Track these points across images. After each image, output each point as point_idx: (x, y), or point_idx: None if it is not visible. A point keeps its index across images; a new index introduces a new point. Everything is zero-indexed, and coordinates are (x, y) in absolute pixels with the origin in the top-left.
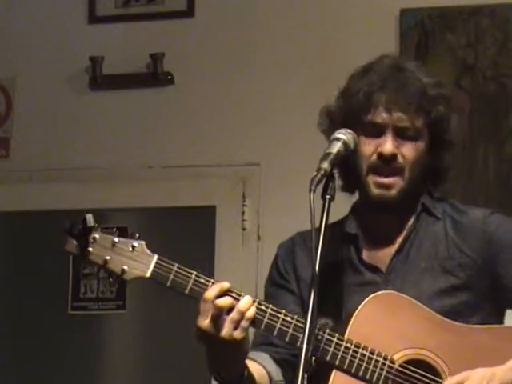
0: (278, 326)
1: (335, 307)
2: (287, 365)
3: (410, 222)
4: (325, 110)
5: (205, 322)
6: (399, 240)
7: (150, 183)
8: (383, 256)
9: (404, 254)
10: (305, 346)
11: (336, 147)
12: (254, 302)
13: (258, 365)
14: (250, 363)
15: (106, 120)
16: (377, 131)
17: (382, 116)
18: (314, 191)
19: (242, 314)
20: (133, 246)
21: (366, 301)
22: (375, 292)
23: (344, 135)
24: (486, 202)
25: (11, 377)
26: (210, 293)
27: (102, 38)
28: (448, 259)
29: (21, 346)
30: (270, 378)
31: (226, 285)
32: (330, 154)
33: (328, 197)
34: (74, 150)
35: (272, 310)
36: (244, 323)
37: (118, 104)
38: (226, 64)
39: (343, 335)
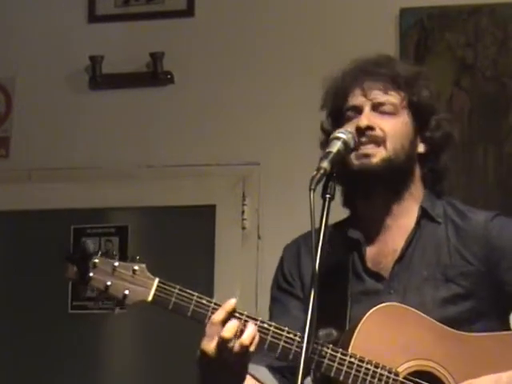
0: (282, 344)
1: (338, 316)
2: (287, 371)
3: (411, 225)
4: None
5: (210, 346)
6: (401, 245)
7: (150, 182)
8: (385, 262)
9: (406, 261)
10: (305, 346)
11: (336, 146)
12: (256, 321)
13: (257, 382)
14: (248, 381)
15: (106, 119)
16: (355, 114)
17: (358, 98)
18: (314, 190)
19: (246, 348)
20: (133, 270)
21: (368, 314)
22: (378, 301)
23: (344, 134)
24: (485, 201)
25: (11, 376)
26: (219, 316)
27: (101, 38)
28: (450, 267)
29: (21, 345)
30: None
31: (232, 305)
32: (330, 152)
33: (328, 196)
34: (73, 149)
35: (275, 328)
36: (249, 352)
37: (117, 103)
38: (226, 63)
39: (347, 348)
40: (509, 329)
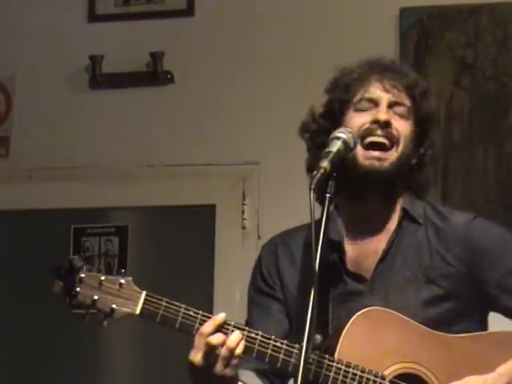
0: (269, 352)
1: (321, 319)
2: (274, 374)
3: (393, 227)
4: (309, 110)
5: (197, 357)
6: (382, 246)
7: (150, 182)
8: (367, 264)
9: (388, 262)
10: (305, 345)
11: (336, 146)
12: (243, 331)
13: None
14: None
15: (106, 119)
16: (370, 106)
17: (377, 91)
18: (314, 190)
19: (232, 351)
20: (120, 284)
21: (353, 319)
22: (360, 302)
23: (344, 134)
24: (485, 201)
25: (11, 376)
26: (207, 328)
27: (101, 37)
28: (431, 269)
29: (21, 345)
30: None
31: (221, 318)
32: (330, 152)
33: (328, 196)
34: (73, 148)
35: (262, 336)
36: (234, 361)
37: (117, 103)
38: (226, 63)
39: (333, 354)
40: (486, 328)
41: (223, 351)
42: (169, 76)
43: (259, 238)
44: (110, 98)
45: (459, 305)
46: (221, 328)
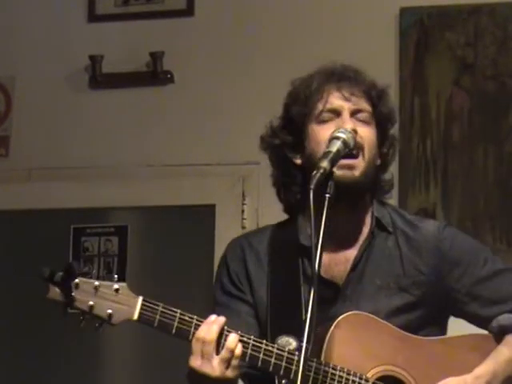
0: (261, 356)
1: (295, 324)
2: (245, 377)
3: (364, 235)
4: (269, 125)
5: (197, 362)
6: (353, 254)
7: (150, 182)
8: (338, 270)
9: (359, 270)
10: (304, 345)
11: (336, 146)
12: (237, 333)
13: None
14: None
15: (106, 119)
16: (332, 117)
17: (337, 101)
18: (314, 190)
19: (232, 352)
20: (116, 289)
21: (336, 322)
22: (332, 309)
23: (344, 134)
24: (485, 201)
25: (11, 376)
26: (202, 332)
27: (101, 37)
28: (403, 277)
29: (21, 345)
30: None
31: (212, 320)
32: (329, 152)
33: (327, 196)
34: (73, 148)
35: (254, 341)
36: (234, 361)
37: (117, 103)
38: (226, 62)
39: (318, 357)
40: (446, 333)
41: (223, 353)
42: (169, 76)
43: None
44: (110, 97)
45: (428, 312)
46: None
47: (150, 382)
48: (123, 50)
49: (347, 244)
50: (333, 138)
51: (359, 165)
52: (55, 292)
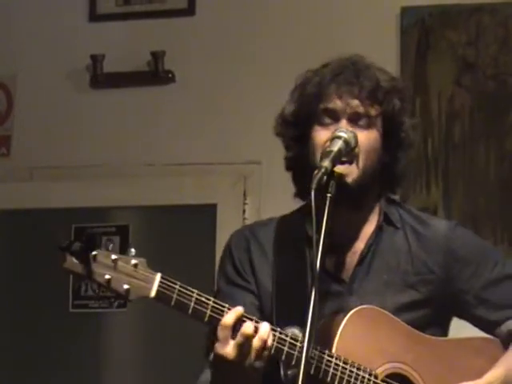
0: (286, 349)
1: (301, 316)
2: None
3: (371, 230)
4: (279, 114)
5: (226, 350)
6: (361, 248)
7: (151, 181)
8: (345, 264)
9: (366, 264)
10: (305, 345)
11: (337, 145)
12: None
13: None
14: None
15: (107, 118)
16: (331, 119)
17: (335, 102)
18: (316, 189)
19: (265, 342)
20: (134, 264)
21: (348, 317)
22: (339, 303)
23: (345, 133)
24: (486, 199)
25: (12, 375)
26: (229, 319)
27: (102, 36)
28: (411, 274)
29: (22, 344)
30: None
31: (241, 310)
32: (331, 151)
33: (329, 195)
34: (75, 148)
35: (280, 333)
36: (265, 352)
37: (118, 102)
38: (227, 62)
39: (330, 349)
40: (447, 334)
41: (256, 342)
42: (170, 75)
43: None
44: (111, 97)
45: (433, 311)
46: (243, 318)
47: (150, 382)
48: (124, 50)
49: (355, 239)
50: (334, 138)
51: (352, 171)
52: (72, 262)
